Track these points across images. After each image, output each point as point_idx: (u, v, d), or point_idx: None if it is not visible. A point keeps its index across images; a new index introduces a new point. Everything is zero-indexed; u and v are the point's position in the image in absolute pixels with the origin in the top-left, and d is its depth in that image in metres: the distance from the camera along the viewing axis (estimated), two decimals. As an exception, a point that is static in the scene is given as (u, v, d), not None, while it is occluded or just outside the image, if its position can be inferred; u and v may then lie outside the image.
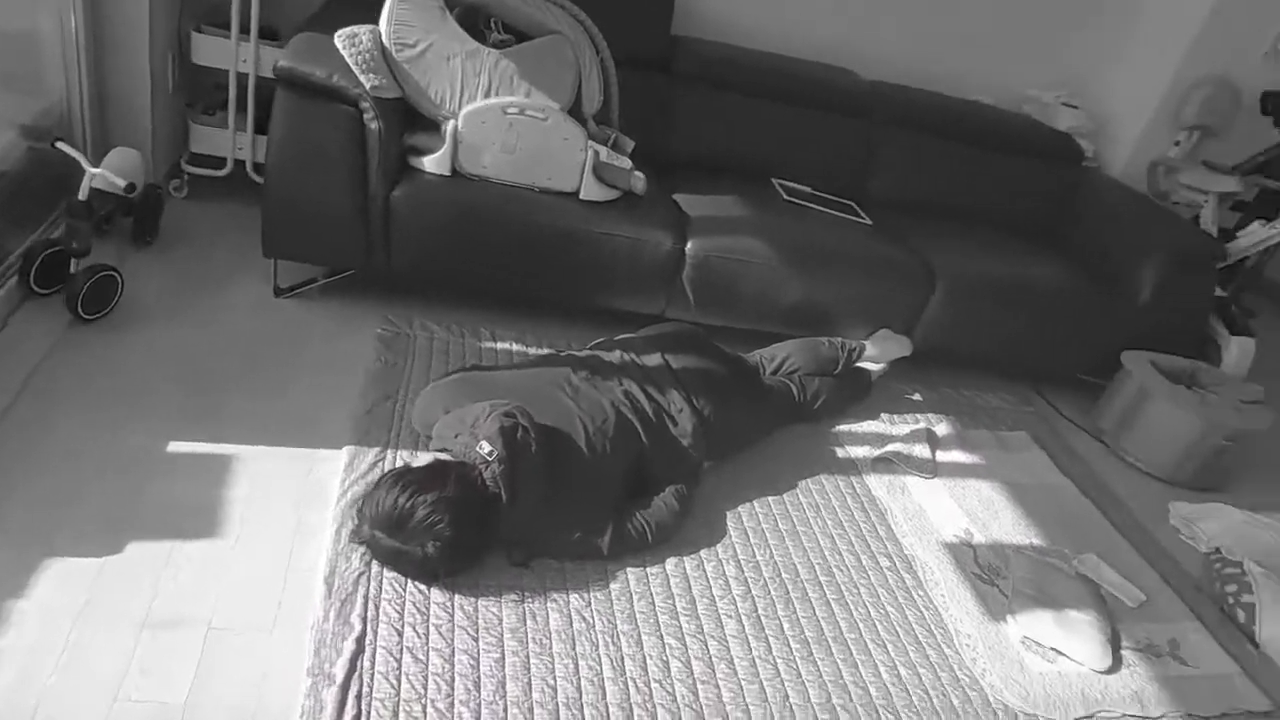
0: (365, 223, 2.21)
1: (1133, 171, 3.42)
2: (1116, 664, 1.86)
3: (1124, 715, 1.75)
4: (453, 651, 1.50)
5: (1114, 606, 2.04)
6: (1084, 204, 3.24)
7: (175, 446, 1.79)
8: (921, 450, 2.37)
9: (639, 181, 2.37)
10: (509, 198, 2.28)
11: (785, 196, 2.80)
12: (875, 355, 2.59)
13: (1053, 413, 2.96)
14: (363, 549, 1.60)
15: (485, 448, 1.60)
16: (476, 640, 1.53)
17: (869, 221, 2.83)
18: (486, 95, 2.26)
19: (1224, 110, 3.35)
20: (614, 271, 2.39)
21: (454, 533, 1.52)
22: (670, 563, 1.81)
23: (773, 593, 1.81)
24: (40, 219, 2.17)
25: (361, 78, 2.08)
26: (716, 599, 1.76)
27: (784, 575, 1.87)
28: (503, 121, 2.20)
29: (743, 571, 1.85)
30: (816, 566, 1.92)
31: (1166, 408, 2.66)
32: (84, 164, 1.97)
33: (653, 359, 2.07)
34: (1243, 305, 3.34)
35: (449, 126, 2.20)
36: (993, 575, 2.03)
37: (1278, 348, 3.64)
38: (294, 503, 1.73)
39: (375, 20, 2.22)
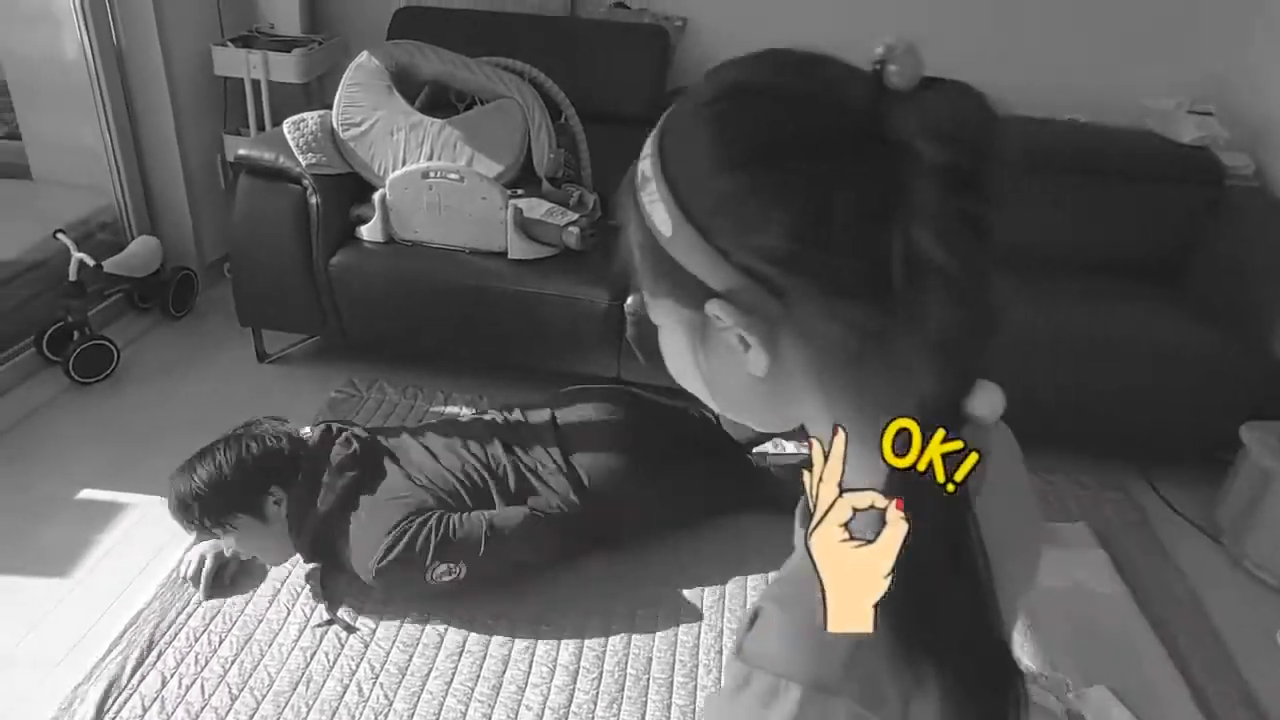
0: (314, 290, 2.34)
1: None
2: None
3: None
4: None
5: (1099, 769, 1.46)
6: (1221, 233, 2.51)
7: (85, 494, 1.98)
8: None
9: (572, 236, 2.25)
10: (440, 261, 2.29)
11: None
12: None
13: (1157, 502, 2.26)
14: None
15: (305, 430, 1.80)
16: None
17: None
18: (425, 162, 2.31)
19: None
20: (552, 332, 2.27)
21: (232, 468, 1.63)
22: None
23: None
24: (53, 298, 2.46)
25: (300, 157, 2.24)
26: None
27: None
28: (422, 186, 2.23)
29: None
30: None
31: (1300, 498, 1.91)
32: (72, 250, 2.31)
33: (539, 415, 1.92)
34: None
35: (378, 195, 2.27)
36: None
37: None
38: (156, 549, 1.83)
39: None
